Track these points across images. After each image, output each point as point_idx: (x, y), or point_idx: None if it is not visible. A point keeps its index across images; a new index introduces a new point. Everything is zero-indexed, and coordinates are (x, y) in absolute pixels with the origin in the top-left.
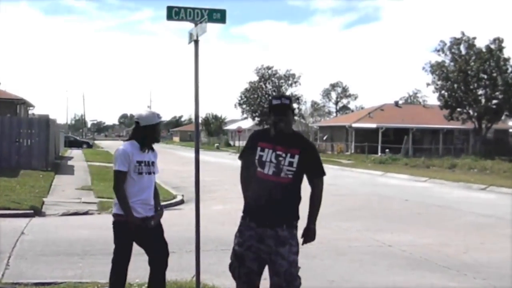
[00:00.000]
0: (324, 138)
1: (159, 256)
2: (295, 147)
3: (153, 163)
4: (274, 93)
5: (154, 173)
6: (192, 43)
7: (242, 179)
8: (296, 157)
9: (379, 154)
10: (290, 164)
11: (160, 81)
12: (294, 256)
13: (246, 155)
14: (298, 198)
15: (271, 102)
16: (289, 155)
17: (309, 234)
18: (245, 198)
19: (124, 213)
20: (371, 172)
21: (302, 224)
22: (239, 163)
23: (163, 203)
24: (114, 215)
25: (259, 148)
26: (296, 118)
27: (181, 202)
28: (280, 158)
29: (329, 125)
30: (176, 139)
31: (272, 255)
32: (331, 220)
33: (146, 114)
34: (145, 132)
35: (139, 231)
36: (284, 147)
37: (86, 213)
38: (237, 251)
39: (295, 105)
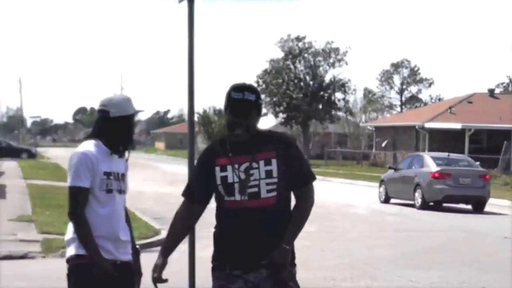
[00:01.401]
0: (383, 144)
1: None
2: (268, 149)
3: (123, 176)
4: (307, 77)
5: (125, 192)
6: (185, 2)
7: (177, 216)
8: (274, 162)
9: None
10: (268, 174)
11: (136, 62)
12: None
13: (198, 188)
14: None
15: (229, 95)
16: (262, 162)
17: (277, 255)
18: (171, 236)
19: (88, 253)
20: None
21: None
22: None
23: (140, 242)
24: (72, 258)
25: (218, 169)
26: (341, 114)
27: None
28: (252, 171)
29: (391, 125)
30: (160, 145)
31: None
32: (393, 268)
33: (118, 100)
34: (118, 127)
35: (107, 282)
36: (250, 154)
37: (24, 256)
38: None
39: (339, 95)
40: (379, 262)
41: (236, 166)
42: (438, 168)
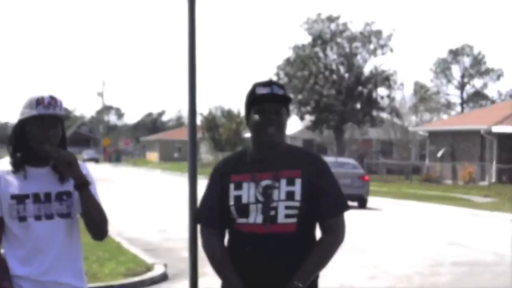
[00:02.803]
0: (439, 154)
1: None
2: (293, 167)
3: (62, 195)
4: (341, 67)
5: (68, 214)
6: None
7: (215, 252)
8: (298, 182)
9: None
10: (290, 196)
11: (122, 50)
12: None
13: (212, 214)
14: None
15: (253, 92)
16: (284, 181)
17: None
18: (229, 279)
19: None
20: None
21: None
22: None
23: (128, 281)
24: None
25: (232, 186)
26: (385, 116)
27: (163, 278)
28: (269, 191)
29: (448, 130)
30: (153, 156)
31: None
32: None
33: (26, 101)
34: (17, 135)
35: None
36: (272, 170)
37: None
38: None
39: (382, 91)
40: None
41: (254, 184)
42: None
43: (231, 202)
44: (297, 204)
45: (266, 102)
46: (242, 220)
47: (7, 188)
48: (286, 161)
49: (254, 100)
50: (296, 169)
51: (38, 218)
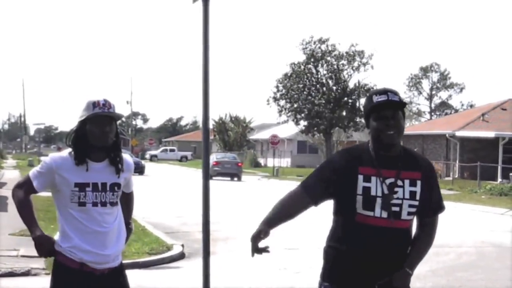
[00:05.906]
0: None
1: None
2: (413, 169)
3: (114, 186)
4: (330, 81)
5: (116, 203)
6: (199, 1)
7: (291, 197)
8: (418, 184)
9: (500, 180)
10: (412, 196)
11: (147, 66)
12: None
13: (322, 188)
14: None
15: (370, 100)
16: (407, 182)
17: (399, 278)
18: (279, 211)
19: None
20: (487, 209)
21: None
22: (280, 191)
23: (151, 258)
24: (59, 256)
25: (361, 177)
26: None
27: (181, 256)
28: (396, 189)
29: (419, 133)
30: None
31: None
32: (422, 286)
33: (84, 105)
34: (78, 134)
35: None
36: (395, 170)
37: (27, 273)
38: None
39: (364, 101)
40: None
41: (381, 179)
42: (216, 160)
43: (359, 192)
44: (416, 203)
45: (383, 109)
46: (367, 212)
47: (71, 176)
48: (406, 162)
49: (372, 107)
50: (417, 171)
51: (95, 204)
